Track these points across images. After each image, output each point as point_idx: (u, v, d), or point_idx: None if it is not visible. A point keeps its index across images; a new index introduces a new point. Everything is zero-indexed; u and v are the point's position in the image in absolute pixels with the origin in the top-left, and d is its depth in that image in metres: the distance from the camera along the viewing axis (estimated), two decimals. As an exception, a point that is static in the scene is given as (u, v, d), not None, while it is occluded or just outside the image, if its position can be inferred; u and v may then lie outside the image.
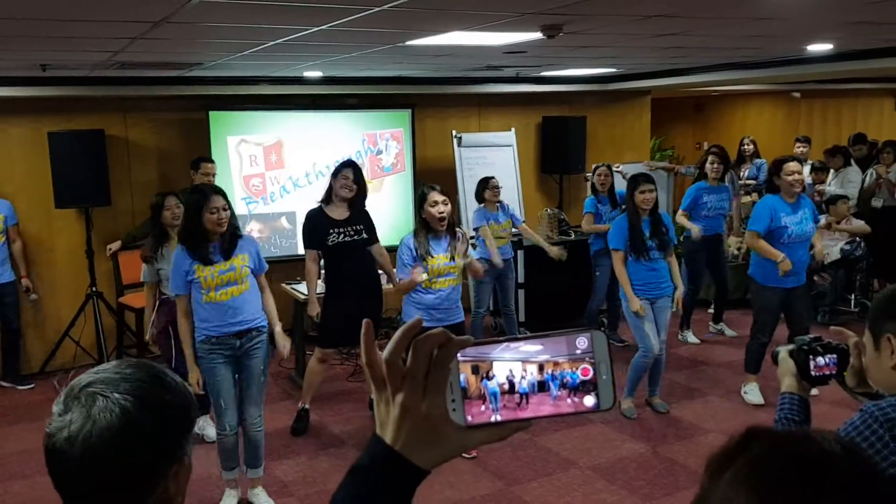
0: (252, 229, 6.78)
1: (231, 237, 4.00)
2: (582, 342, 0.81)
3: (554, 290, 6.94)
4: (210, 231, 3.89)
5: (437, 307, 4.54)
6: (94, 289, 6.32)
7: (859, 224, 7.33)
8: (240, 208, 6.74)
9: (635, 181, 5.15)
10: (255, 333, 4.04)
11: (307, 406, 5.21)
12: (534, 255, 6.97)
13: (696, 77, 7.27)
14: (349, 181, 4.91)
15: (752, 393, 5.52)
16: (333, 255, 4.97)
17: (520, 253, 6.84)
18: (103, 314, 6.34)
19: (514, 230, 6.35)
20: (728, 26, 4.06)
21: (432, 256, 4.46)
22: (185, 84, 6.38)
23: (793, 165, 5.19)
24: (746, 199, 8.13)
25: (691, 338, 7.00)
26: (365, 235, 5.02)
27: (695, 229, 6.38)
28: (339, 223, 4.94)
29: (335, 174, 4.99)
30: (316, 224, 4.95)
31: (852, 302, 7.34)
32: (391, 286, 5.25)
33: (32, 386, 6.11)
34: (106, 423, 1.05)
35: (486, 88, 7.58)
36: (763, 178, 8.24)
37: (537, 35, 3.93)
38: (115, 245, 6.16)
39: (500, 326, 7.07)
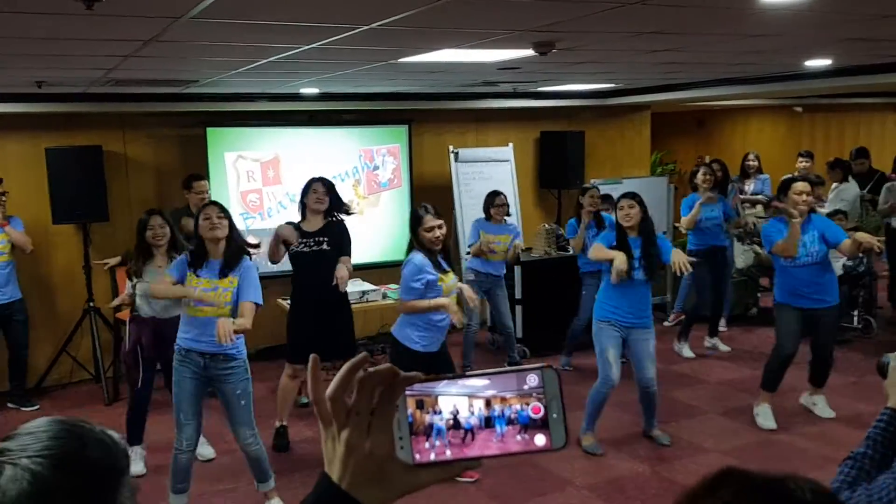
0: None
1: (234, 256, 3.98)
2: (532, 379, 0.80)
3: (551, 306, 6.90)
4: (205, 238, 3.95)
5: (442, 327, 4.44)
6: (91, 304, 6.31)
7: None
8: (237, 224, 6.71)
9: (616, 199, 5.01)
10: (223, 358, 3.99)
11: (285, 423, 5.22)
12: (532, 270, 6.94)
13: (695, 92, 7.26)
14: (320, 193, 5.02)
15: (763, 415, 5.33)
16: (294, 264, 5.13)
17: (517, 269, 6.81)
18: (100, 329, 6.34)
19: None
20: (722, 42, 4.05)
21: (446, 274, 4.38)
22: (183, 101, 6.41)
23: (800, 185, 5.06)
24: (752, 212, 8.10)
25: (686, 351, 6.95)
26: (326, 247, 5.04)
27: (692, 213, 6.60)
28: (305, 234, 5.04)
29: (305, 191, 5.08)
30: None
31: (855, 318, 7.28)
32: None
33: (38, 408, 6.07)
34: (17, 492, 0.95)
35: (483, 104, 7.58)
36: (768, 192, 8.22)
37: (530, 52, 3.93)
38: (113, 260, 6.14)
39: (497, 342, 7.04)
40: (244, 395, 4.06)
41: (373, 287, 6.18)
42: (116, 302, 5.19)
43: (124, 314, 6.10)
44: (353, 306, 5.92)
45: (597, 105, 8.26)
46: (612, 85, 7.26)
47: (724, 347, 7.08)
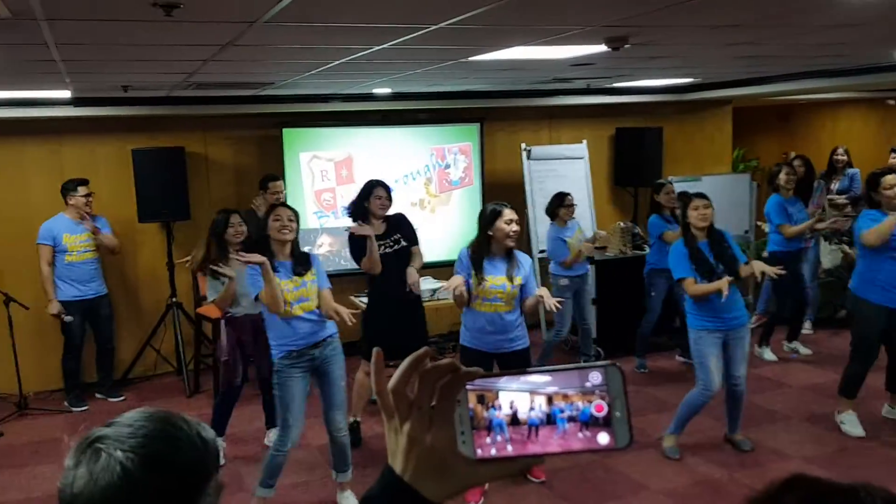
0: (323, 243, 6.90)
1: (302, 256, 4.16)
2: (595, 377, 0.78)
3: (627, 306, 6.77)
4: (275, 240, 4.04)
5: (485, 331, 4.37)
6: (174, 299, 6.55)
7: None
8: (311, 222, 6.87)
9: (687, 198, 4.82)
10: (330, 340, 4.19)
11: (358, 419, 5.29)
12: (607, 270, 6.84)
13: (778, 86, 6.98)
14: (383, 199, 5.05)
15: (849, 423, 5.10)
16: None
17: (591, 268, 6.71)
18: (182, 324, 6.57)
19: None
20: (803, 35, 3.88)
21: (485, 279, 4.30)
22: (260, 102, 6.57)
23: (891, 178, 4.86)
24: (836, 213, 7.75)
25: (768, 354, 6.73)
26: (404, 243, 5.14)
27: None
28: (380, 237, 5.06)
29: (367, 194, 5.07)
30: (360, 236, 5.02)
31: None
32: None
33: (124, 398, 6.34)
34: (106, 483, 1.02)
35: (556, 101, 7.49)
36: (857, 188, 7.83)
37: (602, 48, 3.85)
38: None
39: (571, 342, 6.96)
40: (344, 376, 4.23)
41: (443, 285, 6.20)
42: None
43: (206, 310, 6.31)
44: (423, 304, 5.98)
45: (675, 100, 8.05)
46: (691, 80, 7.07)
47: (804, 351, 6.82)
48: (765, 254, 6.72)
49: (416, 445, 0.79)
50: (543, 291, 4.30)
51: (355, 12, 2.84)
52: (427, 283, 6.12)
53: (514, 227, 4.32)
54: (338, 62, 4.22)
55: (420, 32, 3.28)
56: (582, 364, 0.80)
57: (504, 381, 0.79)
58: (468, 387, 0.79)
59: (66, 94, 5.72)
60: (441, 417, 0.79)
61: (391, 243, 5.11)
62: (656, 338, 6.65)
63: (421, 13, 2.92)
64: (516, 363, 4.35)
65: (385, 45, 3.63)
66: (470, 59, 4.27)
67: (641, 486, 4.53)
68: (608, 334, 6.82)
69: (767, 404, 5.71)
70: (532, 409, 0.78)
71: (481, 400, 0.79)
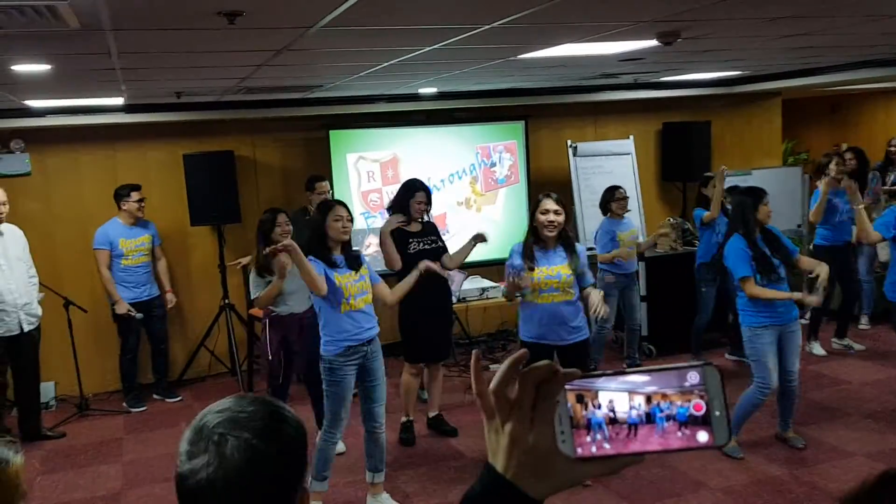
0: (370, 243, 6.94)
1: (352, 251, 4.21)
2: (693, 377, 0.79)
3: (678, 303, 6.69)
4: (333, 239, 4.08)
5: (543, 323, 4.36)
6: (226, 301, 6.65)
7: None
8: (359, 223, 6.91)
9: (756, 195, 4.68)
10: (376, 337, 4.25)
11: (411, 417, 5.32)
12: (657, 267, 6.76)
13: (831, 76, 6.82)
14: (423, 204, 5.12)
15: None
16: (413, 265, 4.99)
17: (641, 265, 6.64)
18: (235, 325, 6.66)
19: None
20: (862, 24, 3.78)
21: (534, 269, 4.29)
22: (307, 105, 6.64)
23: None
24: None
25: (817, 349, 6.62)
26: (440, 244, 5.19)
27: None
28: (416, 234, 5.13)
29: (410, 195, 5.11)
30: (396, 234, 5.12)
31: None
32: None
33: (181, 399, 6.47)
34: (239, 461, 1.15)
35: (602, 96, 7.44)
36: None
37: (653, 43, 3.81)
38: (245, 260, 6.43)
39: (620, 340, 6.90)
40: (384, 374, 4.27)
41: (492, 284, 6.20)
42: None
43: (257, 311, 6.39)
44: (472, 303, 6.00)
45: (723, 93, 7.93)
46: (740, 72, 6.95)
47: (858, 347, 6.68)
48: (810, 247, 6.65)
49: (517, 445, 0.80)
50: (595, 297, 4.29)
51: (408, 15, 2.85)
52: (476, 282, 6.12)
53: (550, 217, 4.26)
54: (388, 63, 4.25)
55: (471, 32, 3.28)
56: (679, 364, 0.80)
57: (603, 381, 0.80)
58: (567, 386, 0.80)
59: (119, 100, 5.85)
60: (542, 417, 0.80)
61: (429, 242, 5.15)
62: (708, 334, 6.56)
63: (473, 14, 2.92)
64: (574, 356, 4.36)
65: (436, 46, 3.64)
66: (519, 57, 4.26)
67: (700, 483, 4.47)
68: (659, 332, 6.75)
69: (826, 401, 5.59)
70: (631, 408, 0.79)
71: (580, 399, 0.80)
